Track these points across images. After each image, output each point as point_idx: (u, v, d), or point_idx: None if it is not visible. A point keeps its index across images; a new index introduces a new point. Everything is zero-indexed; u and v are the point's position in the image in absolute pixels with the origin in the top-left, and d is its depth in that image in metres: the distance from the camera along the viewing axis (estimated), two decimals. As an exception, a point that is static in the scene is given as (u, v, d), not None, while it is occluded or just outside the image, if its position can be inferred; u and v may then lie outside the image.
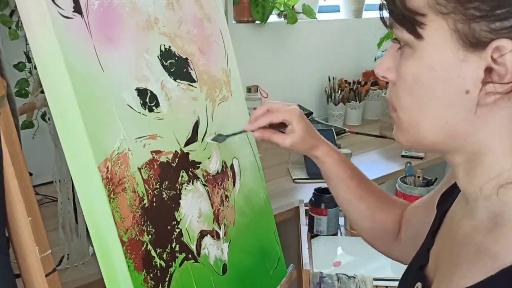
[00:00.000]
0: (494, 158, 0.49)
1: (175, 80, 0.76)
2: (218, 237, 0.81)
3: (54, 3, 0.57)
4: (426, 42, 0.47)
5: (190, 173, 0.77)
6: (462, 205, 0.55)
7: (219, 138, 0.83)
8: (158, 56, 0.73)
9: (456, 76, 0.46)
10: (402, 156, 1.72)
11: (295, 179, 1.54)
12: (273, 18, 2.06)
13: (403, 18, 0.47)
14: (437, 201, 0.67)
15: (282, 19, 2.07)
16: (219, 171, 0.84)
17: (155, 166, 0.69)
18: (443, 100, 0.48)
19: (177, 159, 0.74)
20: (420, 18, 0.46)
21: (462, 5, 0.43)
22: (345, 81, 2.20)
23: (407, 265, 0.67)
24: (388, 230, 0.80)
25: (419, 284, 0.58)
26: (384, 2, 0.49)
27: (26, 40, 1.33)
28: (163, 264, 0.68)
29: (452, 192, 0.63)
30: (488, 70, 0.45)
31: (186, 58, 0.80)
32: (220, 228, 0.82)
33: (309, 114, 2.01)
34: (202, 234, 0.77)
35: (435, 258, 0.59)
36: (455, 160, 0.52)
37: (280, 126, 0.80)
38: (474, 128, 0.48)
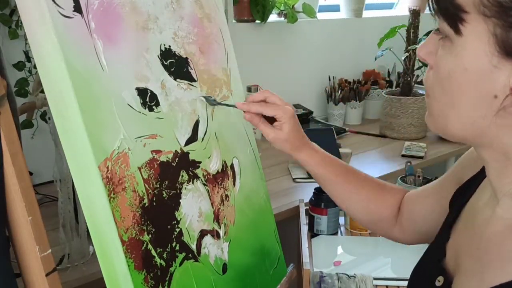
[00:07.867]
0: None
1: (175, 79, 0.76)
2: (218, 236, 0.81)
3: (54, 2, 0.57)
4: (464, 40, 0.47)
5: (190, 173, 0.77)
6: (490, 202, 0.56)
7: (210, 100, 0.83)
8: (158, 56, 0.73)
9: (487, 80, 0.47)
10: (402, 155, 1.72)
11: (295, 178, 1.54)
12: (273, 17, 2.06)
13: (446, 11, 0.48)
14: (450, 193, 0.67)
15: (282, 18, 2.07)
16: (219, 171, 0.84)
17: (155, 166, 0.69)
18: (471, 101, 0.49)
19: (177, 159, 0.74)
20: (463, 14, 0.47)
21: (505, 11, 0.44)
22: (345, 80, 2.20)
23: (415, 263, 0.67)
24: (386, 217, 0.82)
25: (440, 278, 0.58)
26: None
27: (26, 39, 1.33)
28: (163, 263, 0.68)
29: (468, 187, 0.63)
30: None
31: (186, 58, 0.80)
32: (220, 228, 0.82)
33: (309, 113, 2.01)
34: (202, 233, 0.77)
35: (454, 252, 0.59)
36: (486, 155, 0.53)
37: (272, 118, 0.83)
38: (500, 131, 0.49)
